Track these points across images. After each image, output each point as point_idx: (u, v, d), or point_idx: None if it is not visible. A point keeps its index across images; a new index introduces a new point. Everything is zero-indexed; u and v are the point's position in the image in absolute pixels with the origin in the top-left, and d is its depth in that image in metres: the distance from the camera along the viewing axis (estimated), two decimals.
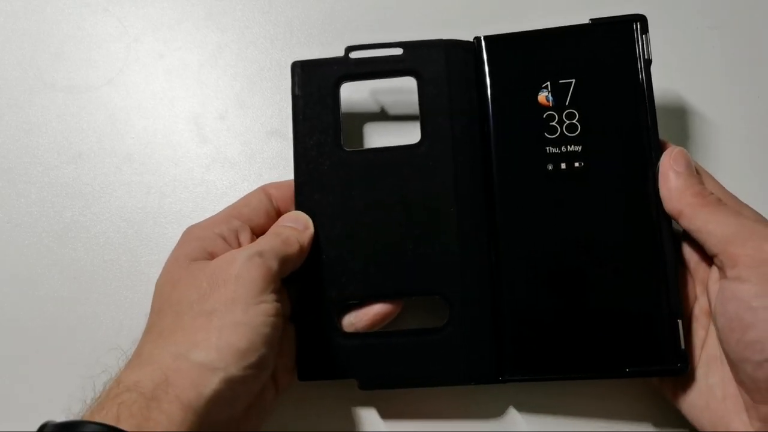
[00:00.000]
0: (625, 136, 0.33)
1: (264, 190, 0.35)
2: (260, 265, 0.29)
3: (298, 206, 0.35)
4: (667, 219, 0.32)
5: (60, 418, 0.26)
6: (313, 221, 0.34)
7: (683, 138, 0.39)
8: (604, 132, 0.33)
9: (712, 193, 0.31)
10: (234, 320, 0.28)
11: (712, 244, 0.29)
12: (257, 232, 0.34)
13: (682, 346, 0.31)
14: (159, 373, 0.26)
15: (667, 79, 0.39)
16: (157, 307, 0.31)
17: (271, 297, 0.29)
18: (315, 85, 0.36)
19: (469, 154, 0.34)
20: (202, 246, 0.32)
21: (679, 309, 0.31)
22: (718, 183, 0.32)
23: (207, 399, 0.26)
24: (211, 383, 0.26)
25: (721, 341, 0.29)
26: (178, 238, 0.33)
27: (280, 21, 0.42)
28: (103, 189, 0.40)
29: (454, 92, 0.35)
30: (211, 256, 0.31)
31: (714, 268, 0.31)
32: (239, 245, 0.33)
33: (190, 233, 0.33)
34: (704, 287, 0.32)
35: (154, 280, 0.32)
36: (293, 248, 0.32)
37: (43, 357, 0.38)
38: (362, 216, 0.34)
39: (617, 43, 0.33)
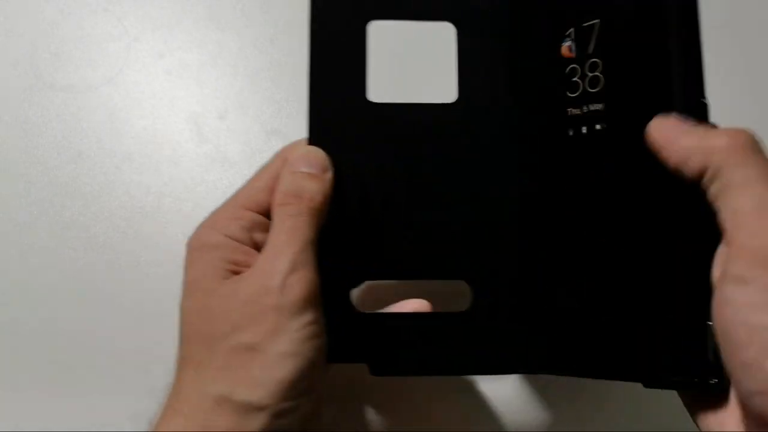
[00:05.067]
0: (655, 88, 0.27)
1: (282, 157, 0.30)
2: (298, 283, 0.26)
3: None
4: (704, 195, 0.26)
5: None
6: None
7: None
8: (630, 85, 0.28)
9: (752, 135, 0.23)
10: (278, 352, 0.26)
11: (722, 217, 0.22)
12: None
13: (710, 357, 0.25)
14: (196, 422, 0.26)
15: None
16: (187, 336, 0.28)
17: (315, 315, 0.26)
18: (339, 22, 0.30)
19: (511, 117, 0.30)
20: (221, 257, 0.28)
21: (708, 308, 0.25)
22: None
23: None
24: (259, 420, 0.25)
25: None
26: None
27: (280, 21, 0.42)
28: (102, 189, 0.40)
29: (496, 45, 0.30)
30: (235, 266, 0.28)
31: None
32: (255, 246, 0.29)
33: (201, 242, 0.29)
34: None
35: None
36: (321, 211, 0.28)
37: (42, 357, 0.38)
38: (383, 182, 0.30)
39: None
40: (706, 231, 0.26)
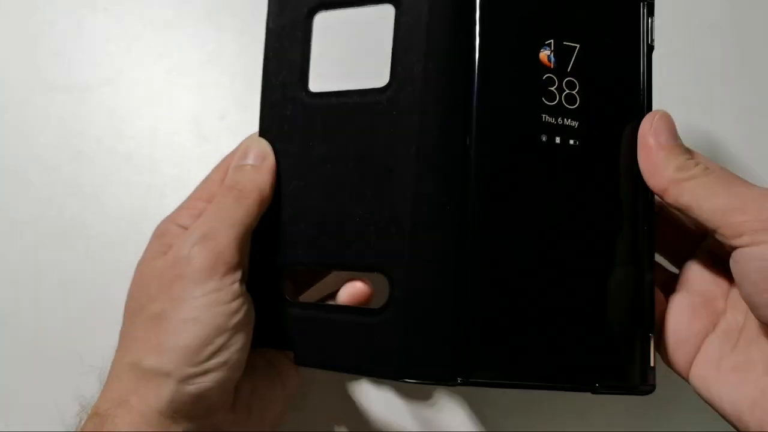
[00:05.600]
0: (620, 123, 0.29)
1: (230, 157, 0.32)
2: (201, 253, 0.27)
3: None
4: (651, 221, 0.29)
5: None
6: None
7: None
8: (601, 112, 0.29)
9: (698, 163, 0.28)
10: (181, 318, 0.27)
11: (707, 218, 0.27)
12: None
13: (652, 363, 0.28)
14: (115, 391, 0.27)
15: (664, 78, 0.39)
16: (123, 316, 0.30)
17: (223, 282, 0.27)
18: (288, 16, 0.31)
19: (444, 104, 0.29)
20: (162, 243, 0.30)
21: (653, 322, 0.29)
22: (702, 156, 0.29)
23: (168, 401, 0.26)
24: (168, 386, 0.26)
25: (753, 309, 0.27)
26: None
27: None
28: (102, 188, 0.40)
29: (435, 27, 0.29)
30: (170, 249, 0.29)
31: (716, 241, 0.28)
32: None
33: (155, 233, 0.31)
34: (714, 263, 0.30)
35: None
36: (250, 199, 0.29)
37: (43, 357, 0.38)
38: (317, 171, 0.30)
39: (624, 19, 0.30)
40: (652, 252, 0.29)
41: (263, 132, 0.31)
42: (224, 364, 0.27)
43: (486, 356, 0.28)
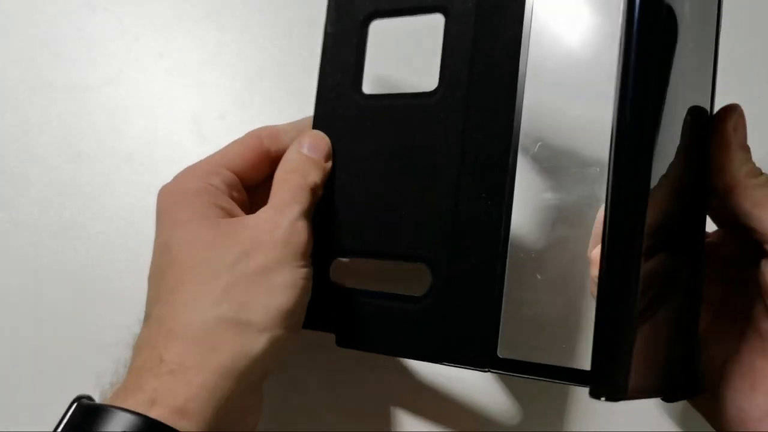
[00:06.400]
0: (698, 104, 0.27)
1: (256, 136, 0.33)
2: (305, 230, 0.29)
3: None
4: (704, 220, 0.27)
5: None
6: None
7: None
8: (690, 86, 0.27)
9: (763, 173, 0.27)
10: (281, 282, 0.28)
11: (766, 228, 0.26)
12: (244, 184, 0.32)
13: (700, 368, 0.28)
14: (203, 344, 0.26)
15: None
16: (181, 264, 0.29)
17: (309, 261, 0.30)
18: (345, 22, 0.33)
19: (487, 108, 0.30)
20: (209, 200, 0.30)
21: (698, 324, 0.28)
22: None
23: (253, 359, 0.27)
24: (259, 343, 0.27)
25: None
26: None
27: (280, 21, 0.42)
28: (102, 188, 0.40)
29: (481, 35, 0.30)
30: (227, 213, 0.30)
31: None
32: (232, 200, 0.31)
33: (181, 188, 0.31)
34: (734, 281, 0.29)
35: None
36: (317, 192, 0.31)
37: (43, 356, 0.38)
38: (365, 167, 0.32)
39: None
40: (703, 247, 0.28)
41: (316, 127, 0.33)
42: (293, 336, 0.29)
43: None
